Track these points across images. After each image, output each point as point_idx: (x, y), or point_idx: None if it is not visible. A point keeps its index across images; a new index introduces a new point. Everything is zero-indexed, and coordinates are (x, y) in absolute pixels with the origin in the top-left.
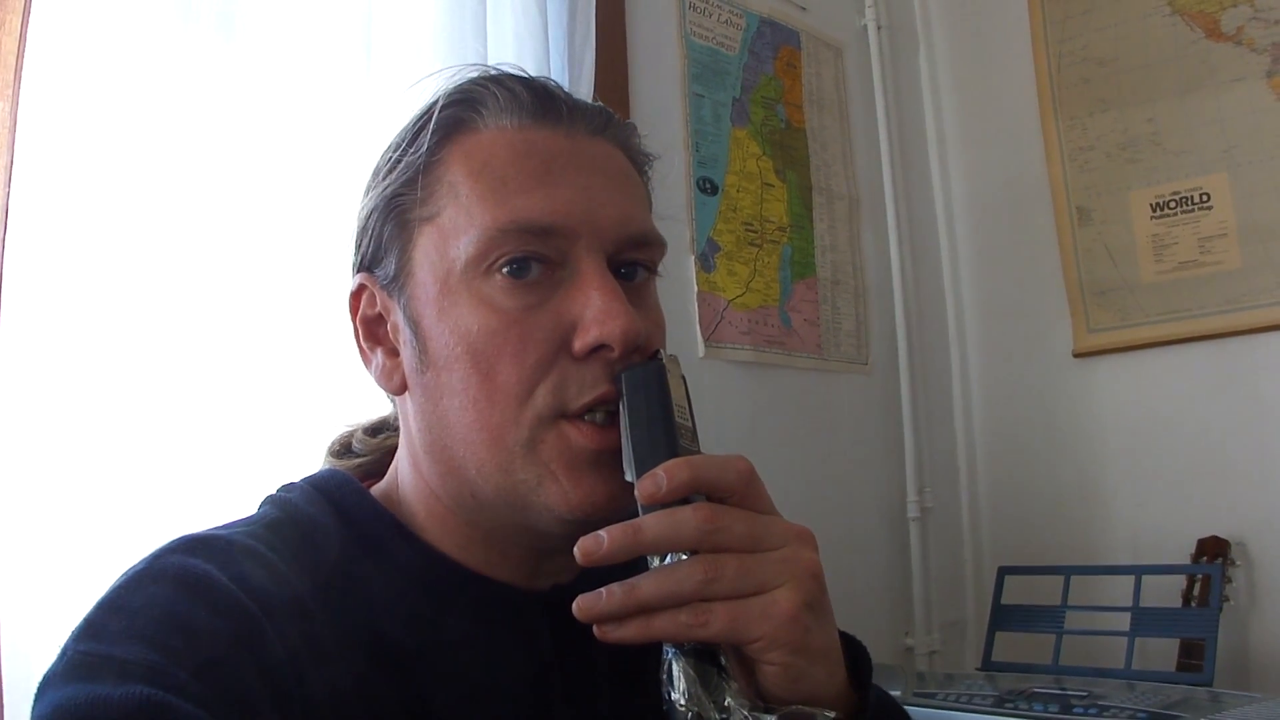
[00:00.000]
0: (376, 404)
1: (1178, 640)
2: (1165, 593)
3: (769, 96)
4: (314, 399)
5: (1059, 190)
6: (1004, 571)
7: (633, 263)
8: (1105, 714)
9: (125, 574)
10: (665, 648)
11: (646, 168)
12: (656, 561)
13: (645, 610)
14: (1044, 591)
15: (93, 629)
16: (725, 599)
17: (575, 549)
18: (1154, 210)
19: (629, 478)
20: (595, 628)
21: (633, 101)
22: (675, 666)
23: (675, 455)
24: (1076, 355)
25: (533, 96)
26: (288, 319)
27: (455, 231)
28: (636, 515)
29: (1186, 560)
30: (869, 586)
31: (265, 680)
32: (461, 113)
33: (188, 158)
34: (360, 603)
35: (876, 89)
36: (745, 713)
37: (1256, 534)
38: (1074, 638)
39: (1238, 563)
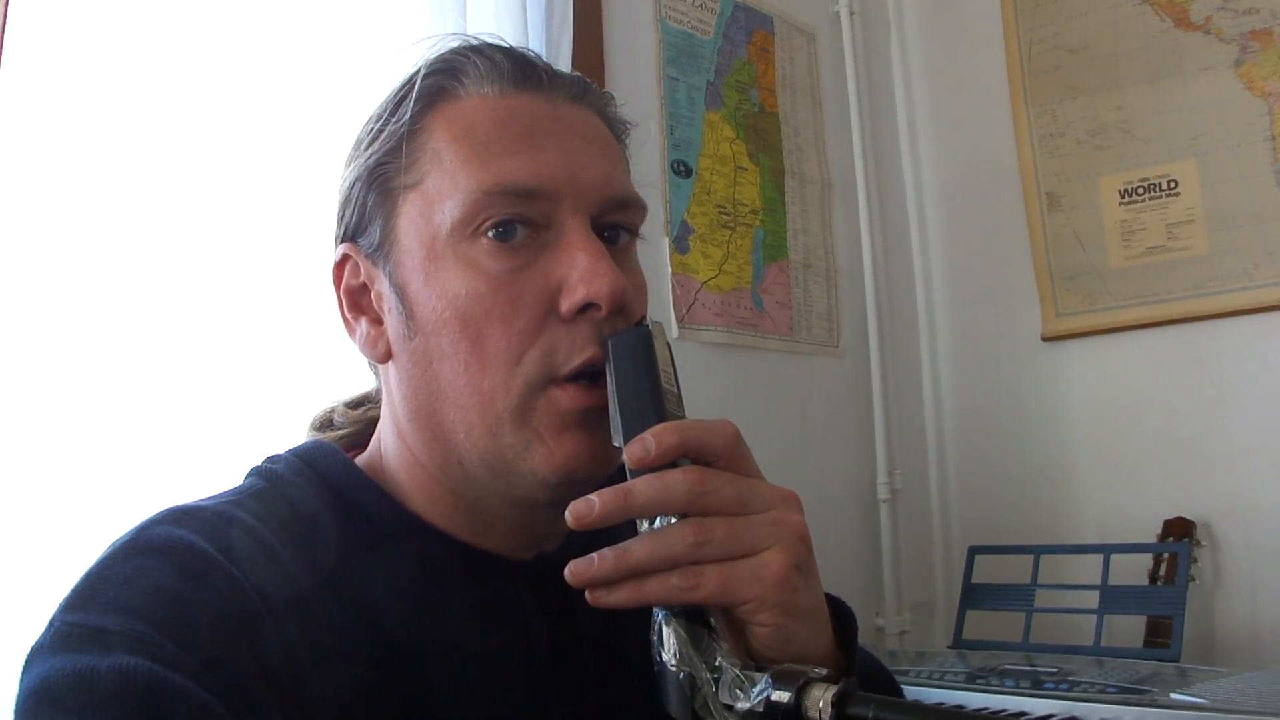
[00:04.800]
0: (358, 384)
1: (1144, 619)
2: (1132, 573)
3: (743, 81)
4: (296, 383)
5: (1029, 176)
6: (974, 551)
7: (615, 225)
8: (1075, 689)
9: (112, 545)
10: (655, 610)
11: (624, 135)
12: (645, 525)
13: (636, 574)
14: (1013, 571)
15: (80, 600)
16: (716, 561)
17: (567, 512)
18: (1122, 196)
19: (617, 443)
20: (587, 593)
21: (608, 84)
22: (665, 628)
23: (663, 420)
24: (1045, 339)
25: (513, 65)
26: (268, 302)
27: (440, 197)
28: (621, 478)
29: (1153, 541)
30: (839, 567)
31: (255, 654)
32: (443, 81)
33: (163, 133)
34: (358, 596)
35: (849, 74)
36: (737, 672)
37: (1221, 515)
38: (1043, 616)
39: (1203, 543)
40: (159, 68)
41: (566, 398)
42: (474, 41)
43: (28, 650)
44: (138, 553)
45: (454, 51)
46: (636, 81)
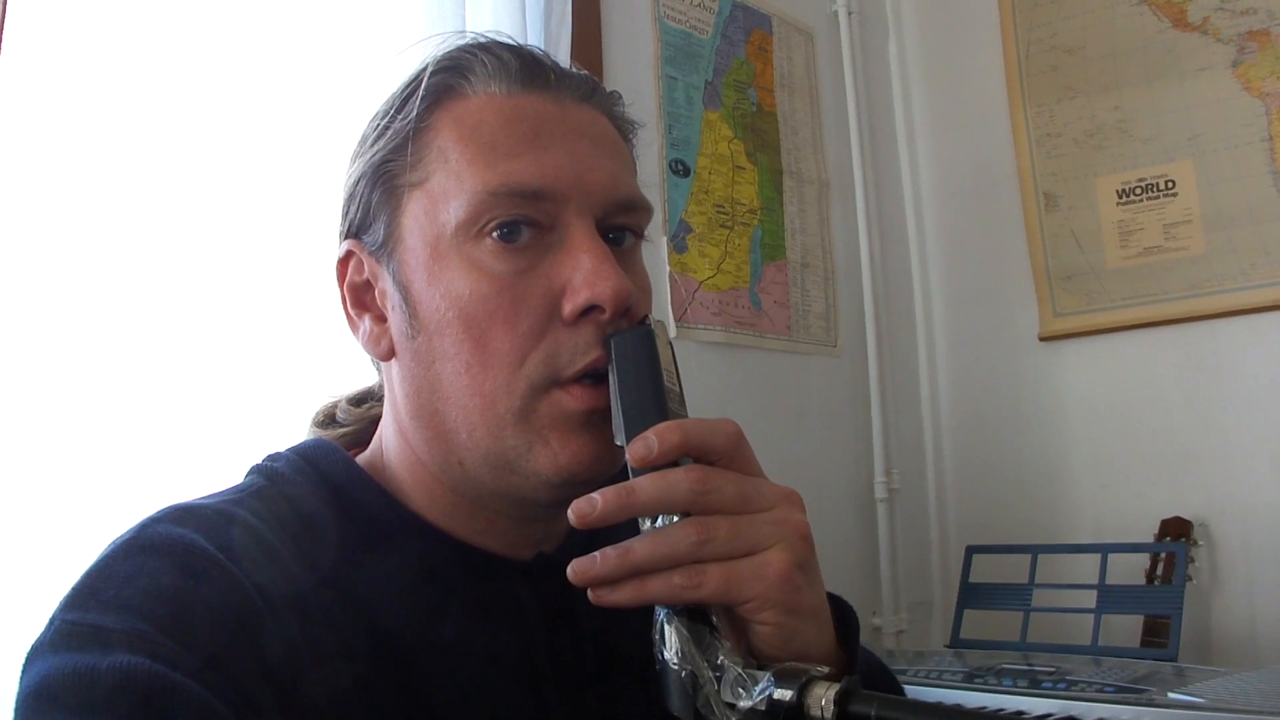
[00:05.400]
0: (360, 380)
1: (1142, 618)
2: (1129, 573)
3: (741, 80)
4: (298, 380)
5: (1026, 176)
6: (972, 550)
7: (620, 227)
8: (1073, 688)
9: (113, 543)
10: (656, 609)
11: (631, 135)
12: (647, 524)
13: (639, 573)
14: (1011, 570)
15: (80, 598)
16: (718, 560)
17: (569, 511)
18: (1120, 196)
19: (619, 441)
20: (590, 592)
21: (607, 84)
22: (667, 627)
23: (665, 419)
24: (1042, 339)
25: (520, 63)
26: (269, 298)
27: (445, 196)
28: (623, 477)
29: (1150, 541)
30: (837, 567)
31: (255, 652)
32: (450, 79)
33: (164, 131)
34: (358, 595)
35: (847, 74)
36: (739, 671)
37: (1218, 515)
38: (1041, 615)
39: (1200, 543)
40: (160, 67)
41: (571, 399)
42: (482, 39)
43: (28, 649)
44: (138, 551)
45: (461, 49)
46: (635, 81)
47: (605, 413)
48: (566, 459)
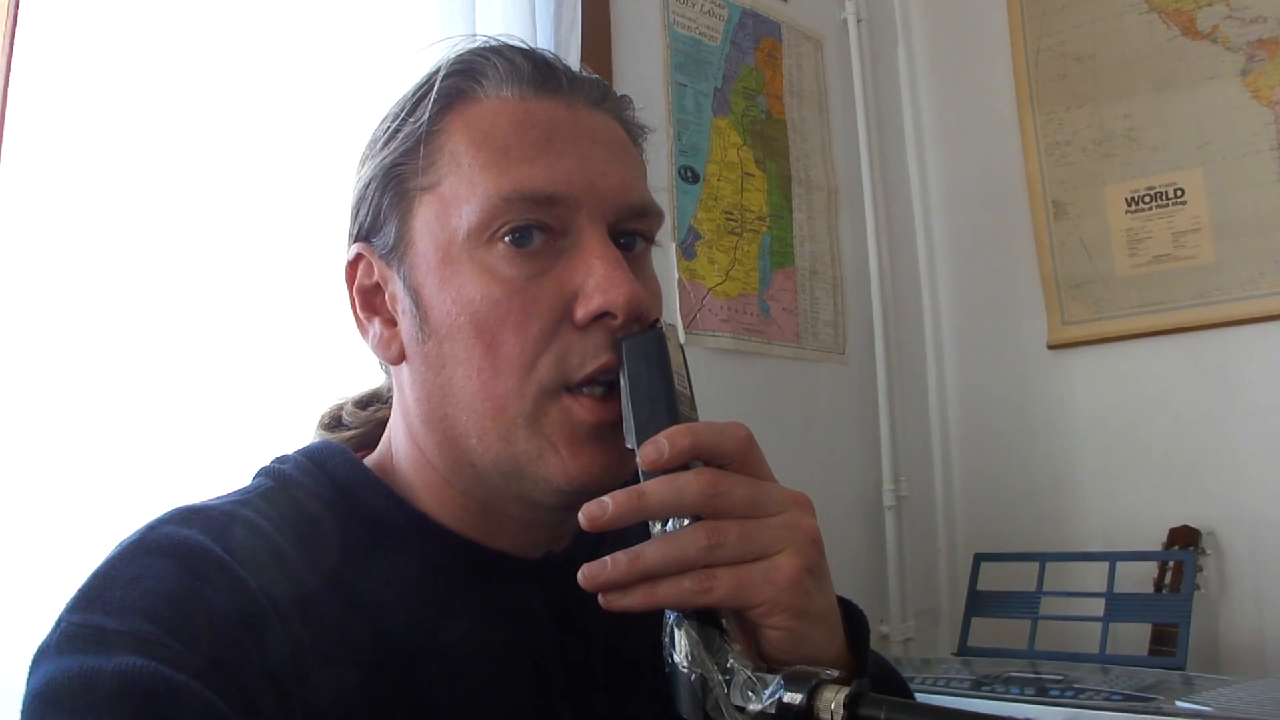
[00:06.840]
0: (365, 381)
1: (1150, 627)
2: (1137, 581)
3: (750, 87)
4: (305, 383)
5: (1035, 184)
6: (980, 558)
7: (632, 233)
8: (1081, 697)
9: (119, 545)
10: (666, 611)
11: (641, 140)
12: (658, 527)
13: (650, 577)
14: (1019, 578)
15: (87, 600)
16: (728, 564)
17: (580, 514)
18: (1129, 205)
19: (630, 445)
20: (600, 596)
21: (616, 89)
22: (677, 630)
23: (676, 422)
24: (1051, 347)
25: (533, 67)
26: (277, 301)
27: (457, 200)
28: (634, 481)
29: (1158, 549)
30: (844, 574)
31: (260, 654)
32: (463, 83)
33: (173, 133)
34: (364, 597)
35: (856, 82)
36: (749, 674)
37: (1226, 524)
38: (1049, 623)
39: (1208, 552)
40: (172, 69)
41: (581, 409)
42: (494, 43)
43: (35, 651)
44: (144, 553)
45: (473, 52)
46: (644, 87)
47: (614, 425)
48: (577, 470)
